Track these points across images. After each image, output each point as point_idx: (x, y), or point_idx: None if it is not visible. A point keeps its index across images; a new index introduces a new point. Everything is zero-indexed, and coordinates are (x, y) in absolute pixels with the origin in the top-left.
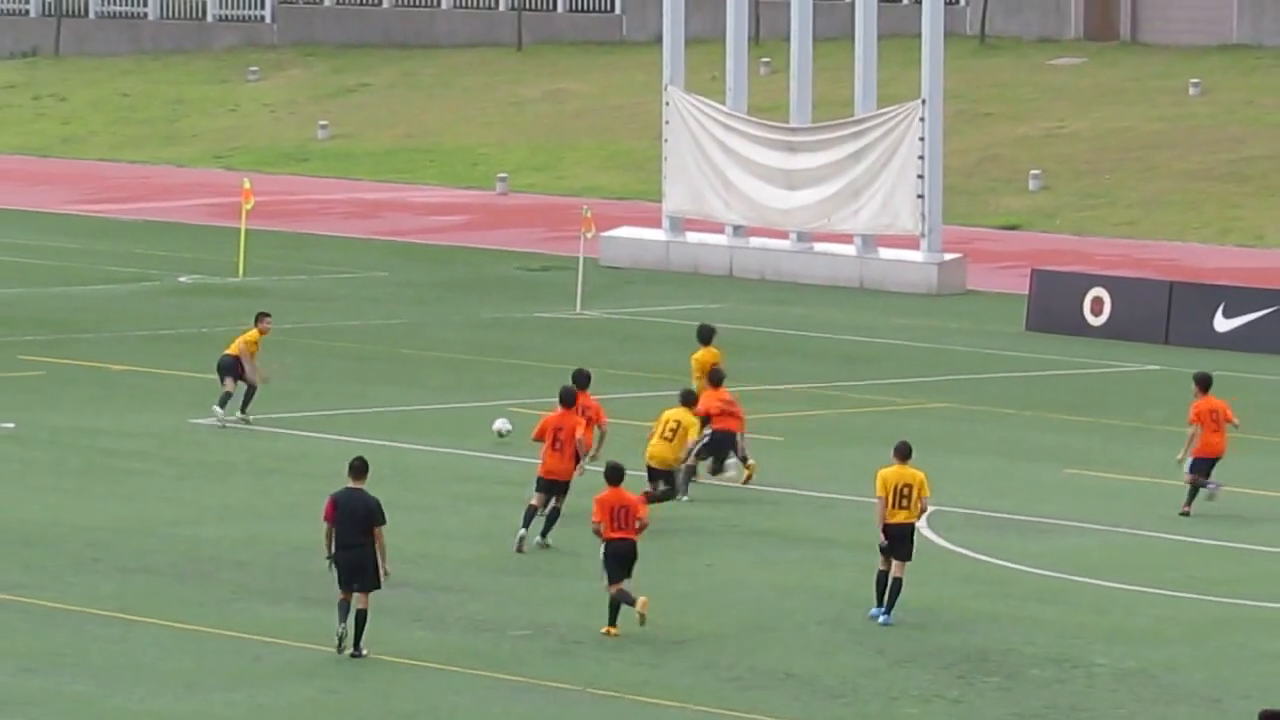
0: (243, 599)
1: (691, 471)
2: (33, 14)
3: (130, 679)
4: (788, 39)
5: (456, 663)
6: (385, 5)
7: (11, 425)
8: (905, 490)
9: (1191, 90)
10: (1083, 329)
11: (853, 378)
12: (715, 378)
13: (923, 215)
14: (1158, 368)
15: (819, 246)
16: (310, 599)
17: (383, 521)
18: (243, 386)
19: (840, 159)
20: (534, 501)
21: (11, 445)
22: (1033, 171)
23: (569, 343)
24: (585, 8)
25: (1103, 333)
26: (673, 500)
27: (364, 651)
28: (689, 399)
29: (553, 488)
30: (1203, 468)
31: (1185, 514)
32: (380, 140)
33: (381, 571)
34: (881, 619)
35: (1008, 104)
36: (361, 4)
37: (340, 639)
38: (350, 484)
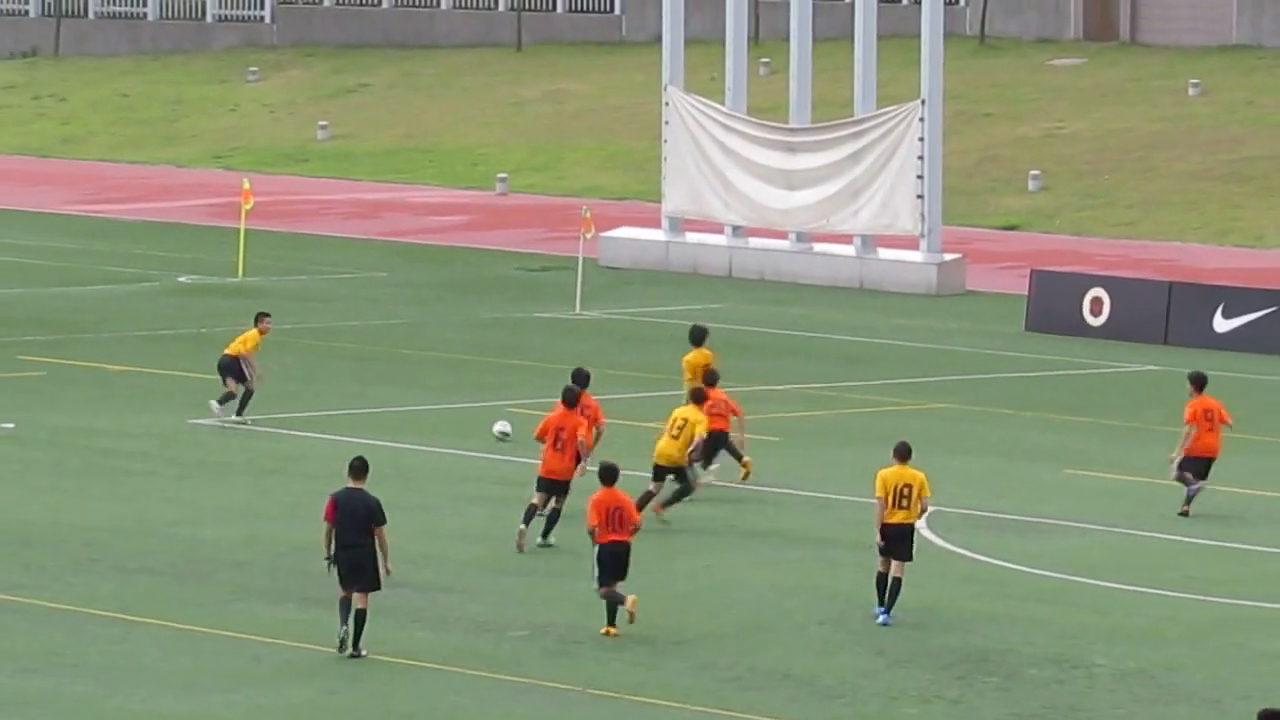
0: (242, 599)
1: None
2: (32, 14)
3: (130, 679)
4: (787, 39)
5: (456, 663)
6: (385, 6)
7: (11, 426)
8: (905, 490)
9: (1191, 90)
10: (1082, 329)
11: (852, 378)
12: (710, 379)
13: (922, 215)
14: (1157, 368)
15: (818, 247)
16: (310, 599)
17: (383, 521)
18: (241, 388)
19: (840, 159)
20: (535, 501)
21: (11, 446)
22: (1032, 172)
23: (568, 343)
24: (585, 8)
25: (1102, 333)
26: (687, 498)
27: (363, 652)
28: (699, 397)
29: (553, 488)
30: (1195, 467)
31: (1184, 514)
32: (380, 140)
33: (383, 570)
34: (881, 618)
35: (1007, 104)
36: (361, 4)
37: (342, 641)
38: (350, 484)
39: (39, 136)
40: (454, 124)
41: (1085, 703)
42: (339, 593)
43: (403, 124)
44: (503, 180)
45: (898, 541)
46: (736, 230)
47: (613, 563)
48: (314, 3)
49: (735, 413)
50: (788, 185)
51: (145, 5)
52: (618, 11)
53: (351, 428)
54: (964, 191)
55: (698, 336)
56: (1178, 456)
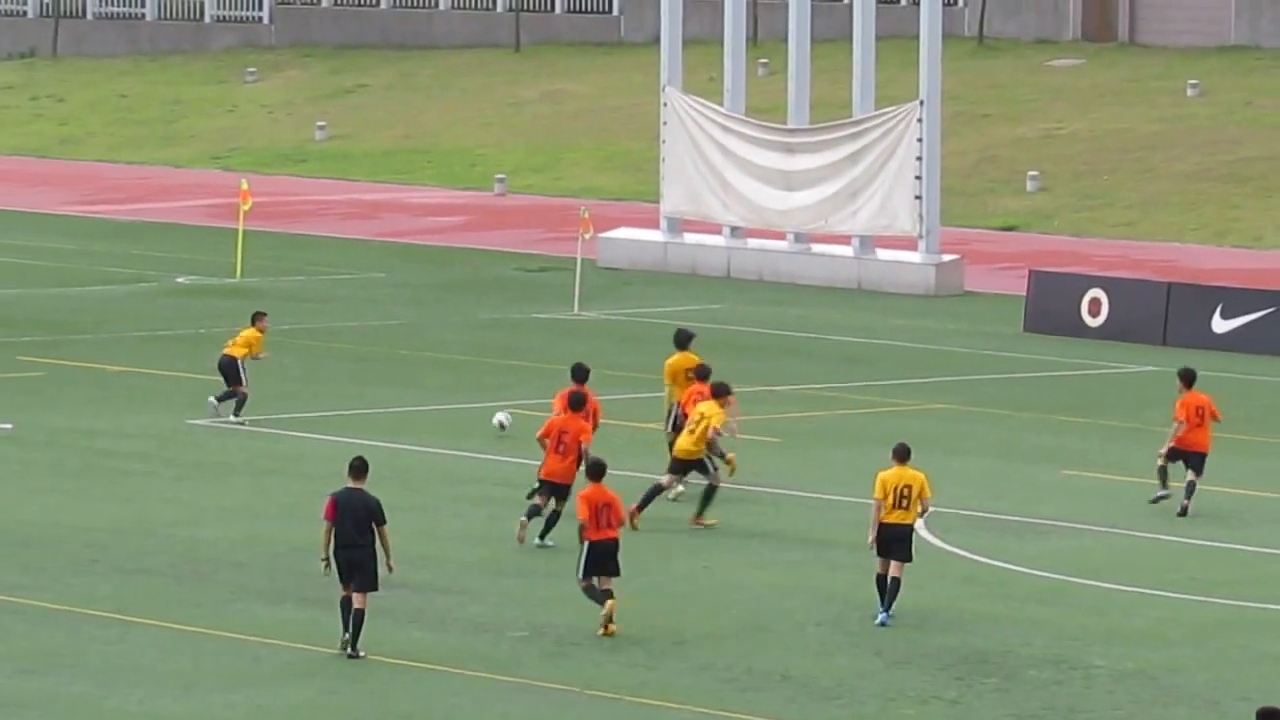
0: (241, 600)
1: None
2: (30, 15)
3: (128, 680)
4: (786, 40)
5: (454, 664)
6: (383, 6)
7: (10, 426)
8: (905, 491)
9: (1190, 91)
10: (1081, 330)
11: (851, 379)
12: (702, 373)
13: (921, 216)
14: (1156, 369)
15: (817, 247)
16: (309, 600)
17: (383, 521)
18: (240, 390)
19: (838, 160)
20: (537, 500)
21: (10, 446)
22: (1031, 172)
23: (567, 344)
24: (583, 9)
25: (1101, 334)
26: (715, 495)
27: (361, 653)
28: (719, 392)
29: (554, 490)
30: (1179, 458)
31: (1158, 501)
32: (378, 141)
33: (385, 567)
34: (880, 617)
35: (1006, 105)
36: (359, 5)
37: (344, 643)
38: (350, 484)
39: (37, 137)
40: (452, 125)
41: (1084, 704)
42: (341, 592)
43: (401, 125)
44: (501, 181)
45: (897, 542)
46: (735, 231)
47: (601, 560)
48: (312, 3)
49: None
50: (786, 186)
51: (143, 6)
52: (616, 12)
53: (350, 428)
54: (962, 192)
55: (683, 340)
56: (1166, 452)
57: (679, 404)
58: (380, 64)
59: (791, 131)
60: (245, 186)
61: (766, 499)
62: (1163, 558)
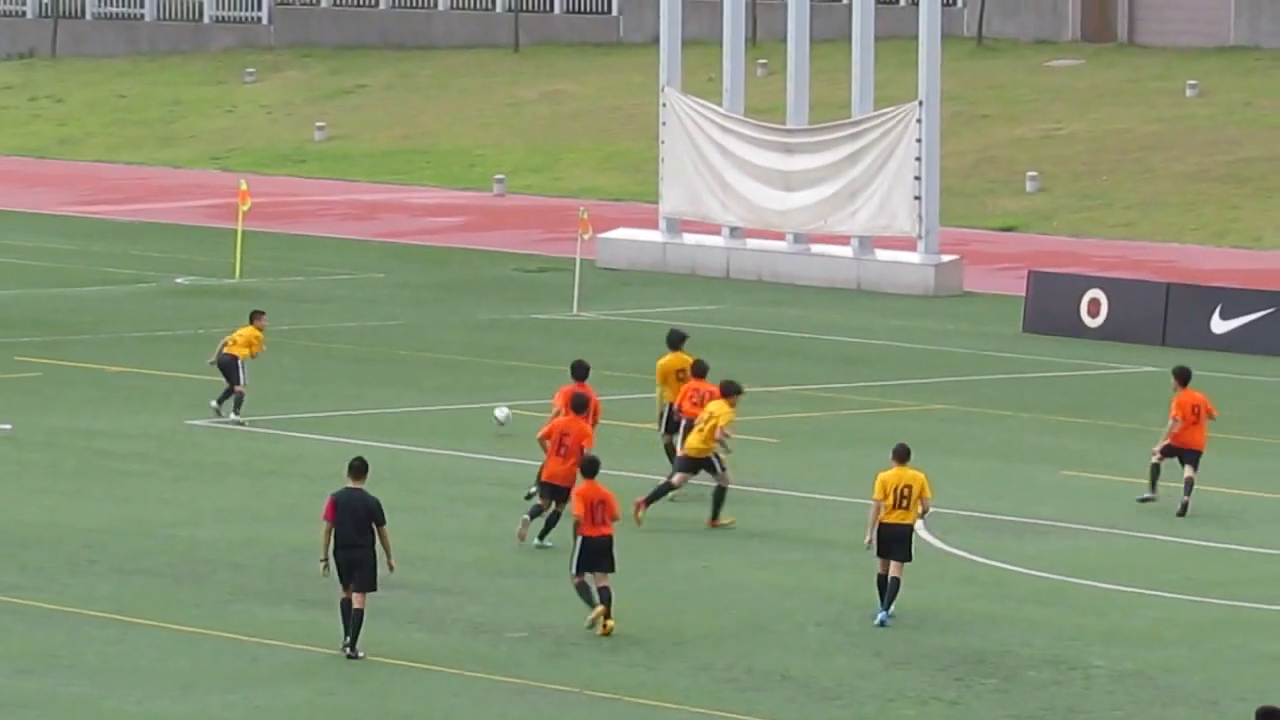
0: (240, 600)
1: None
2: (29, 15)
3: (127, 681)
4: (785, 40)
5: (453, 664)
6: (382, 7)
7: (9, 427)
8: (905, 492)
9: (1189, 92)
10: (1080, 330)
11: (849, 379)
12: (700, 370)
13: (920, 217)
14: (1155, 369)
15: (816, 248)
16: (308, 600)
17: (383, 521)
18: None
19: (837, 160)
20: (540, 501)
21: (8, 447)
22: (1030, 173)
23: (566, 344)
24: (582, 9)
25: (1100, 334)
26: (725, 496)
27: (360, 653)
28: (730, 391)
29: (555, 492)
30: (1174, 454)
31: (1146, 501)
32: (377, 142)
33: (386, 566)
34: (880, 616)
35: (1005, 105)
36: (358, 5)
37: (345, 645)
38: (350, 484)
39: (36, 137)
40: (451, 125)
41: (1083, 704)
42: (341, 594)
43: (400, 125)
44: (500, 181)
45: (897, 542)
46: (734, 231)
47: (595, 555)
48: (311, 4)
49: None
50: (785, 186)
51: (142, 6)
52: (615, 12)
53: (349, 429)
54: (961, 193)
55: (675, 340)
56: (1159, 449)
57: (676, 404)
58: (379, 64)
59: (790, 132)
60: (244, 187)
61: (766, 499)
62: (1161, 558)
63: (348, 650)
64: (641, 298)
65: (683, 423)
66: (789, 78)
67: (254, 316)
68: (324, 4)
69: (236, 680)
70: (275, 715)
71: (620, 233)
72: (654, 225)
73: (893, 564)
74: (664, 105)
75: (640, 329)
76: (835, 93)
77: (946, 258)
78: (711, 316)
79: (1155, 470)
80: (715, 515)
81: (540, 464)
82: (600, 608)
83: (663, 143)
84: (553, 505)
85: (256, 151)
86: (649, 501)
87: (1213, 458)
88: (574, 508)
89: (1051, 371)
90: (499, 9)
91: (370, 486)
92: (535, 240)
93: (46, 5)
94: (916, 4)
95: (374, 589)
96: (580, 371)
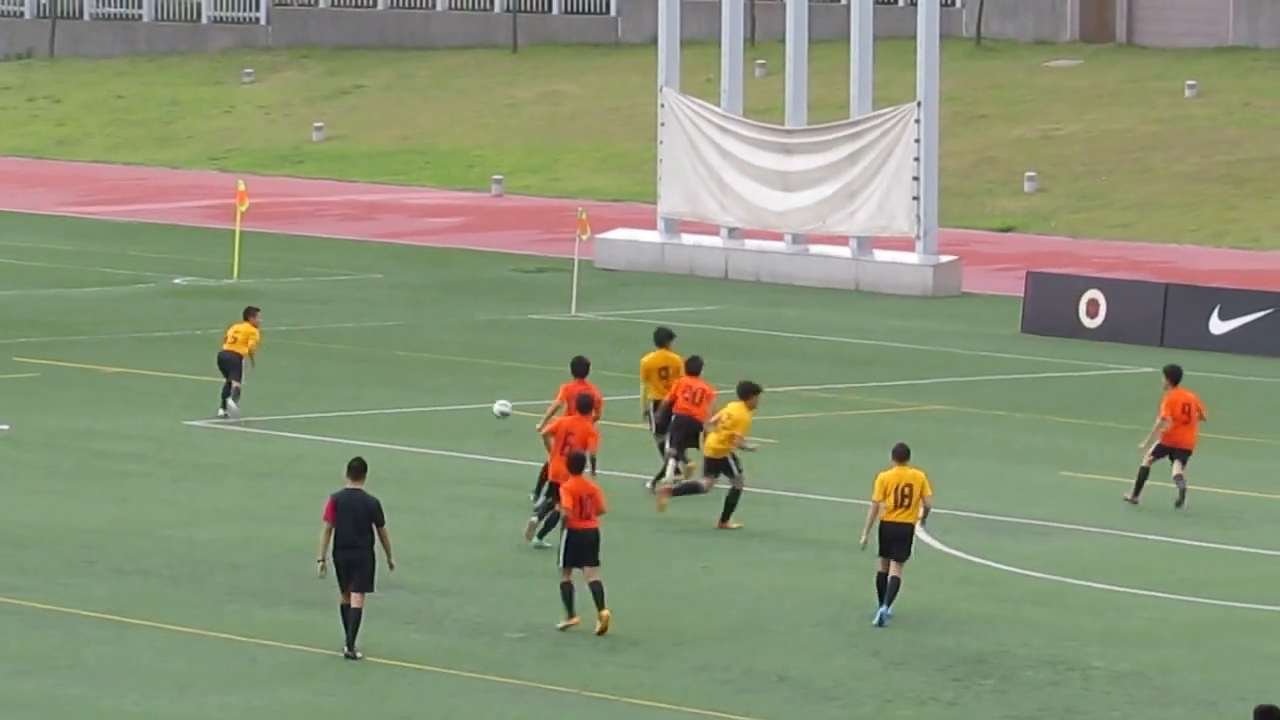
0: (237, 601)
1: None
2: (27, 16)
3: (125, 681)
4: (783, 41)
5: (452, 665)
6: (380, 7)
7: (6, 427)
8: (906, 491)
9: (1188, 92)
10: (1078, 331)
11: (848, 380)
12: (694, 367)
13: (918, 217)
14: (1153, 370)
15: (814, 248)
16: (305, 601)
17: (383, 522)
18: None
19: (836, 161)
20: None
21: (6, 447)
22: (1028, 173)
23: (564, 345)
24: (580, 9)
25: (1098, 335)
26: (739, 498)
27: (359, 654)
28: (746, 392)
29: (558, 491)
30: (1165, 454)
31: (1133, 501)
32: (375, 142)
33: (386, 565)
34: (881, 610)
35: (1003, 106)
36: (356, 6)
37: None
38: (349, 484)
39: (34, 138)
40: (449, 125)
41: (1081, 705)
42: (340, 598)
43: (398, 125)
44: (498, 182)
45: (898, 541)
46: (732, 232)
47: (581, 550)
48: (309, 4)
49: (710, 396)
50: (784, 187)
51: (140, 7)
52: (613, 13)
53: (347, 429)
54: (960, 193)
55: (662, 338)
56: (1147, 446)
57: (669, 400)
58: (377, 65)
59: (789, 132)
60: (242, 187)
61: (765, 500)
62: (1158, 559)
63: (345, 650)
64: (640, 298)
65: (674, 419)
66: (787, 78)
67: (249, 313)
68: (322, 4)
69: (234, 681)
70: (273, 716)
71: (618, 233)
72: (652, 226)
73: (893, 563)
74: (662, 106)
75: (639, 329)
76: (834, 93)
77: (945, 258)
78: (710, 317)
79: (1144, 474)
80: (725, 518)
81: (543, 464)
82: (575, 619)
83: (661, 143)
84: (555, 505)
85: (254, 152)
86: (675, 493)
87: (1211, 458)
88: (562, 501)
89: (1050, 372)
90: (497, 9)
91: (368, 487)
92: (533, 241)
93: (44, 5)
94: (915, 4)
95: (371, 589)
96: (580, 368)
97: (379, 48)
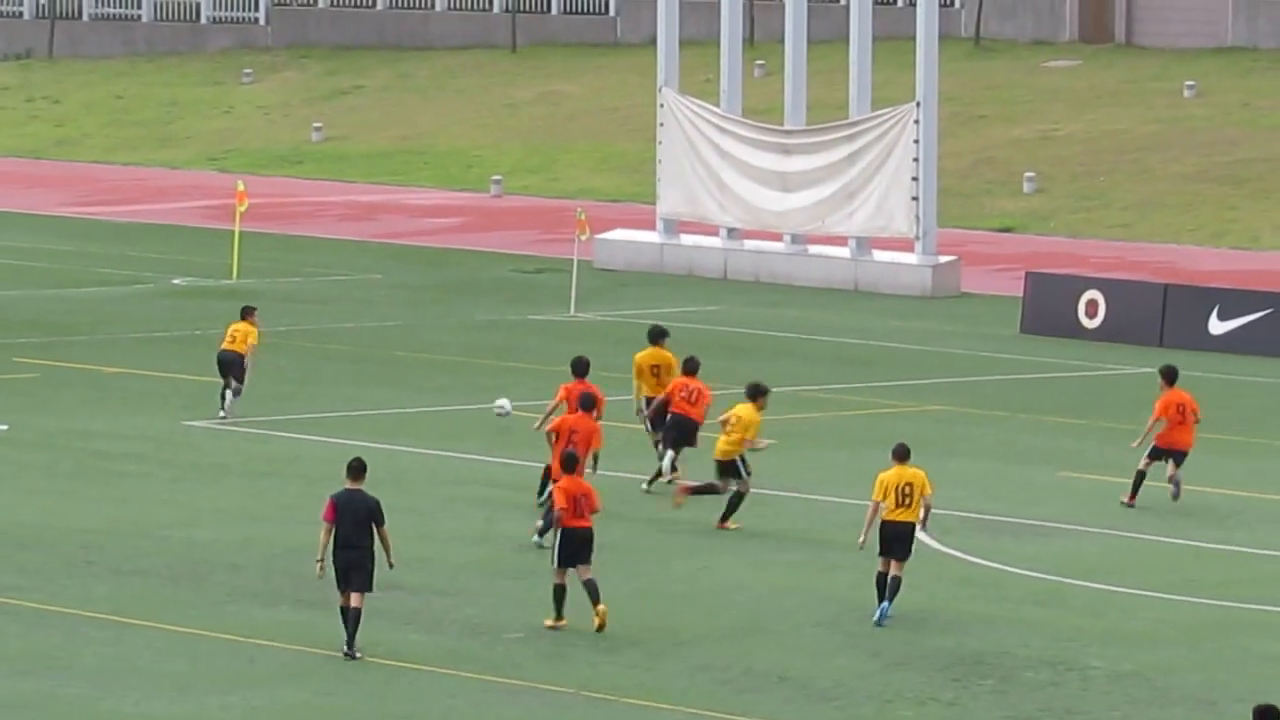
0: (237, 601)
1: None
2: (26, 16)
3: (124, 682)
4: (782, 41)
5: (450, 665)
6: (379, 7)
7: (4, 427)
8: (907, 490)
9: (1187, 92)
10: (1077, 331)
11: (847, 380)
12: (691, 367)
13: (917, 218)
14: (1152, 370)
15: (813, 249)
16: (304, 601)
17: (383, 521)
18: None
19: (835, 161)
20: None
21: (5, 447)
22: (1027, 174)
23: (563, 345)
24: (580, 10)
25: (1097, 335)
26: (742, 503)
27: (358, 654)
28: (755, 393)
29: None
30: (1161, 456)
31: (1129, 504)
32: (374, 142)
33: (387, 564)
34: (882, 607)
35: (1002, 106)
36: (356, 6)
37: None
38: (349, 485)
39: (33, 138)
40: (449, 126)
41: (1080, 705)
42: (340, 600)
43: (397, 126)
44: (497, 182)
45: (899, 540)
46: (731, 232)
47: (575, 548)
48: (308, 4)
49: (706, 397)
50: (783, 187)
51: (139, 7)
52: (613, 13)
53: (346, 430)
54: (959, 194)
55: (655, 335)
56: (1140, 445)
57: (664, 398)
58: (377, 65)
59: (788, 133)
60: (242, 188)
61: (764, 500)
62: (1158, 559)
63: (345, 649)
64: (639, 299)
65: (670, 418)
66: (786, 78)
67: (246, 312)
68: (321, 5)
69: (233, 681)
70: (272, 716)
71: (618, 234)
72: (651, 226)
73: (894, 562)
74: (661, 106)
75: (638, 330)
76: (833, 93)
77: (944, 259)
78: (709, 317)
79: (1140, 477)
80: (726, 518)
81: (545, 465)
82: (563, 621)
83: (660, 143)
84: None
85: (254, 152)
86: (693, 492)
87: (1211, 458)
88: (557, 501)
89: (1049, 372)
90: (496, 9)
91: (367, 488)
92: (532, 241)
93: (43, 6)
94: (914, 5)
95: (370, 589)
96: (580, 368)
97: (378, 48)
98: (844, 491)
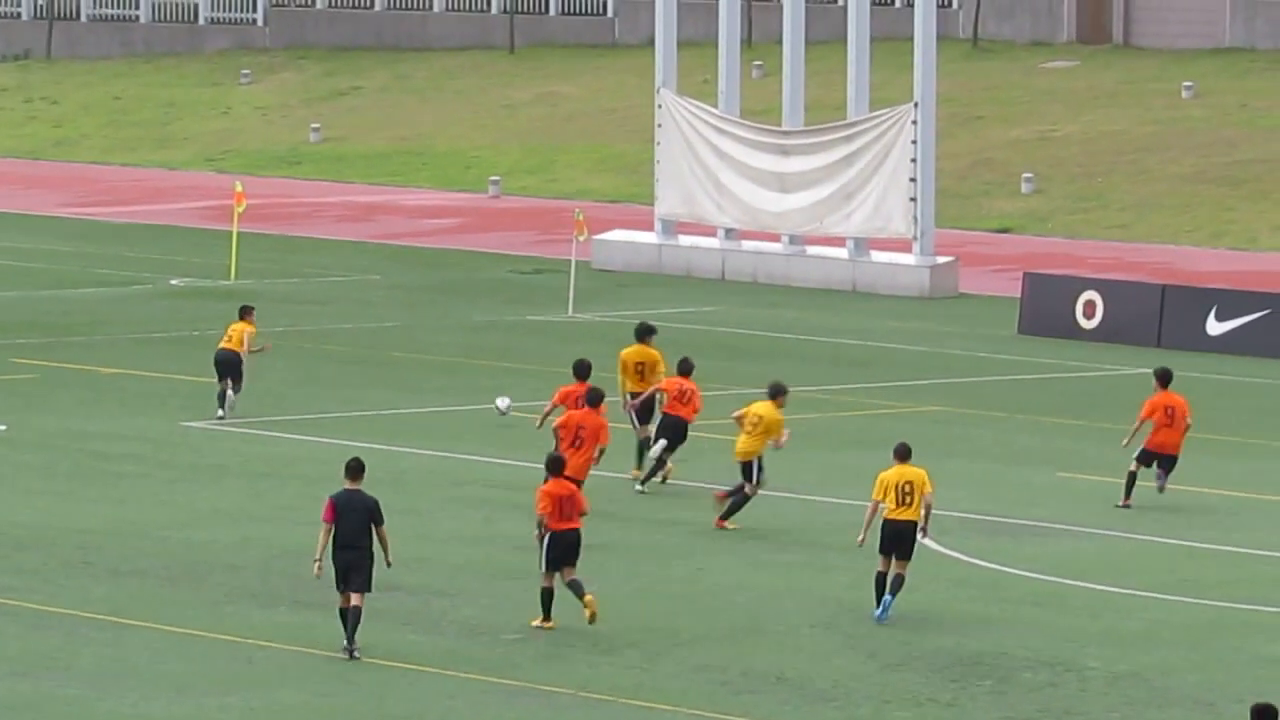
0: (235, 602)
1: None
2: (24, 17)
3: (122, 683)
4: (780, 42)
5: (449, 666)
6: (377, 8)
7: (3, 428)
8: (907, 489)
9: (1184, 93)
10: (1075, 332)
11: (845, 381)
12: (685, 368)
13: (915, 218)
14: (1150, 371)
15: (811, 250)
16: (303, 602)
17: (382, 521)
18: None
19: (833, 162)
20: None
21: (3, 448)
22: (1025, 175)
23: (561, 346)
24: (578, 10)
25: (1095, 336)
26: (750, 495)
27: (357, 654)
28: (776, 392)
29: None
30: (1151, 460)
31: (1126, 507)
32: (372, 143)
33: (385, 563)
34: (884, 600)
35: (1000, 107)
36: (354, 7)
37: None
38: (348, 485)
39: (31, 139)
40: (447, 126)
41: (1079, 706)
42: (339, 601)
43: (395, 127)
44: (495, 183)
45: (900, 539)
46: (729, 233)
47: (563, 551)
48: (306, 5)
49: (694, 406)
50: (781, 188)
51: (137, 8)
52: (610, 14)
53: (344, 431)
54: (957, 194)
55: (642, 332)
56: (1129, 444)
57: (648, 394)
58: (375, 66)
59: (786, 134)
60: (240, 189)
61: (762, 501)
62: (1156, 559)
63: (345, 644)
64: (637, 299)
65: (662, 418)
66: (784, 79)
67: (245, 311)
68: (319, 5)
69: (232, 682)
70: (271, 717)
71: (616, 234)
72: (649, 227)
73: (897, 561)
74: (659, 107)
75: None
76: (831, 94)
77: (942, 259)
78: (707, 318)
79: (1132, 478)
80: (726, 516)
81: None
82: (551, 622)
83: (658, 144)
84: None
85: (252, 153)
86: (729, 495)
87: (1208, 459)
88: (539, 506)
89: (1047, 373)
90: (494, 10)
91: (366, 488)
92: (530, 242)
93: (41, 7)
94: (912, 6)
95: (370, 589)
96: (582, 371)
97: (376, 49)
98: (842, 492)
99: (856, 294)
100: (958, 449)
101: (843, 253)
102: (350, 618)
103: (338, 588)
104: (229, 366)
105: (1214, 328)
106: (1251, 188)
